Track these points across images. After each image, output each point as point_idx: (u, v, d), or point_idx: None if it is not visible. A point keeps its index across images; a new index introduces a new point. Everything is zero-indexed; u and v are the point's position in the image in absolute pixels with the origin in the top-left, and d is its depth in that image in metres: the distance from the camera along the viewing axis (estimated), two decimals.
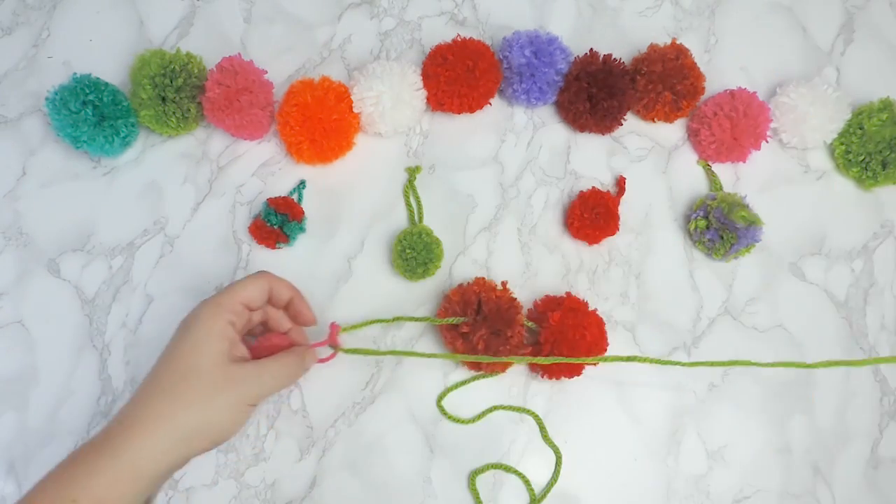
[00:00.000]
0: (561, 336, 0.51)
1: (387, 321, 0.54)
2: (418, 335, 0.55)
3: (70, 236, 0.57)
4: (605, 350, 0.53)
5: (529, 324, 0.53)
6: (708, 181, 0.61)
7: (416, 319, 0.54)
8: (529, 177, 0.60)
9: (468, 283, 0.53)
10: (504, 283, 0.53)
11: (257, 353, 0.46)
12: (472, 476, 0.52)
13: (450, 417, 0.53)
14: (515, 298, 0.52)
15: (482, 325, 0.50)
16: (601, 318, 0.53)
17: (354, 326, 0.52)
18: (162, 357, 0.42)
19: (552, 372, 0.52)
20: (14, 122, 0.60)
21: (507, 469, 0.53)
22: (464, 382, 0.54)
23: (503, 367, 0.53)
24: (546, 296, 0.55)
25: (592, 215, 0.56)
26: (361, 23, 0.65)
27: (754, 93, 0.59)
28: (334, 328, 0.49)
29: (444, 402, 0.54)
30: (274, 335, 0.48)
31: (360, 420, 0.53)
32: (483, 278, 0.54)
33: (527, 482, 0.52)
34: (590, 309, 0.53)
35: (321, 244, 0.58)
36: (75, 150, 0.59)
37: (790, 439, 0.54)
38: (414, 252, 0.54)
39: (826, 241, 0.60)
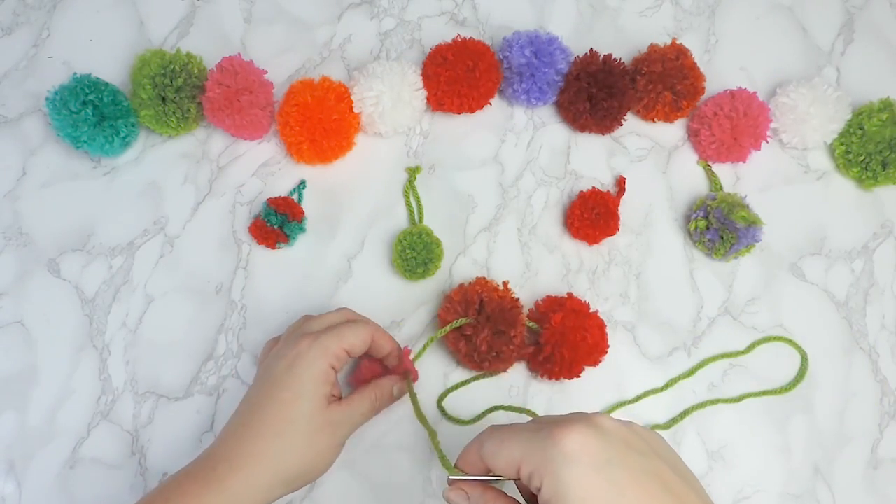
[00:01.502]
0: (562, 338, 0.51)
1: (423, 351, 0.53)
2: (418, 335, 0.55)
3: (70, 236, 0.57)
4: (606, 352, 0.53)
5: (531, 324, 0.53)
6: (708, 181, 0.61)
7: (428, 344, 0.53)
8: (529, 177, 0.60)
9: (469, 283, 0.53)
10: (505, 283, 0.53)
11: (357, 383, 0.48)
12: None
13: (450, 419, 0.53)
14: (517, 298, 0.52)
15: (485, 326, 0.50)
16: (602, 321, 0.53)
17: (419, 354, 0.52)
18: (265, 392, 0.43)
19: (552, 373, 0.52)
20: (14, 122, 0.60)
21: None
22: (464, 383, 0.54)
23: (504, 366, 0.53)
24: (548, 296, 0.55)
25: (592, 215, 0.56)
26: (361, 23, 0.65)
27: (754, 93, 0.59)
28: (406, 352, 0.50)
29: (445, 402, 0.54)
30: (368, 365, 0.49)
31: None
32: (484, 278, 0.54)
33: None
34: (591, 311, 0.53)
35: (321, 244, 0.58)
36: (75, 150, 0.58)
37: (790, 439, 0.54)
38: (414, 252, 0.54)
39: (826, 241, 0.60)
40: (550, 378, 0.53)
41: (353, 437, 0.53)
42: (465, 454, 0.38)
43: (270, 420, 0.41)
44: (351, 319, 0.47)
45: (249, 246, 0.57)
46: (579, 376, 0.53)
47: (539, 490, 0.32)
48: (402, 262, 0.54)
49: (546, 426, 0.33)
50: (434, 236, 0.56)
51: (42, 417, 0.53)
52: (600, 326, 0.53)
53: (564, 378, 0.53)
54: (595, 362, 0.53)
